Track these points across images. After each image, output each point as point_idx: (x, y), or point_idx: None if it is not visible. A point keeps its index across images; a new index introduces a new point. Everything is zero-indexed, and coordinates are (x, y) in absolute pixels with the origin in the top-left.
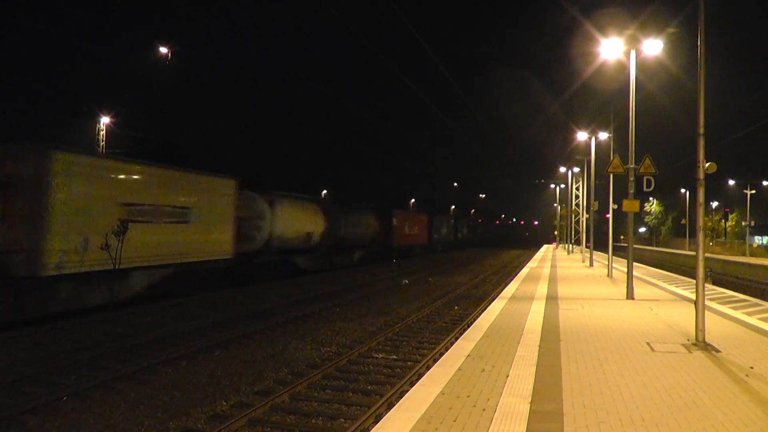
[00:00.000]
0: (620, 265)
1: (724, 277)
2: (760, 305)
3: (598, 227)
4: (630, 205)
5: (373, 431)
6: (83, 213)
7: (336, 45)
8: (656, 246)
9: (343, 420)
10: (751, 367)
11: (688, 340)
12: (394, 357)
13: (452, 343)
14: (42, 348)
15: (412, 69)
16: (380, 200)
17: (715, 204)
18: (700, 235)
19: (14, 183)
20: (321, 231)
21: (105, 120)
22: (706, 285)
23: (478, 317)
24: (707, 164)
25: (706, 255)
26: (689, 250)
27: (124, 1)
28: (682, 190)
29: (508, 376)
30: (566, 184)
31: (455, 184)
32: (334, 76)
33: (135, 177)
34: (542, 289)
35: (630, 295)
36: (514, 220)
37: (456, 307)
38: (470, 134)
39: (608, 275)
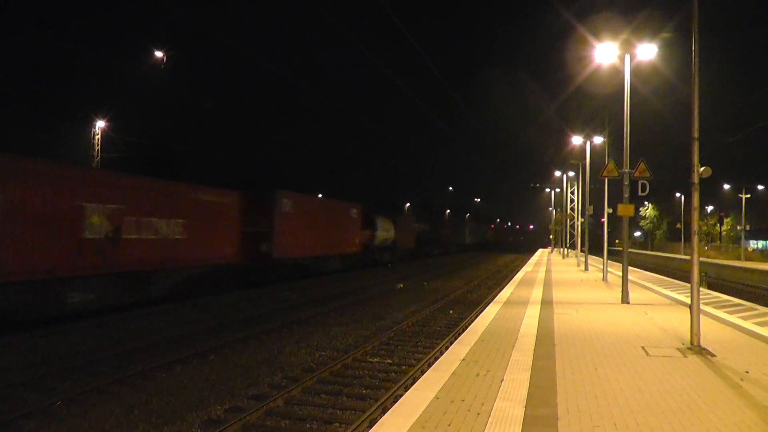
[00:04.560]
0: (615, 269)
1: (719, 281)
2: (755, 309)
3: (594, 231)
4: (625, 210)
5: None
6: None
7: (331, 49)
8: (651, 250)
9: (337, 424)
10: (747, 372)
11: (683, 344)
12: (389, 361)
13: (447, 348)
14: (37, 353)
15: (407, 73)
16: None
17: (710, 208)
18: (695, 239)
19: None
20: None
21: (100, 124)
22: (701, 289)
23: (473, 321)
24: (702, 168)
25: (701, 259)
26: (684, 254)
27: (119, 6)
28: (677, 194)
29: (502, 380)
30: (561, 188)
31: (450, 188)
32: (329, 80)
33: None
34: (537, 293)
35: (625, 300)
36: (510, 224)
37: (451, 312)
38: (465, 138)
39: (603, 279)
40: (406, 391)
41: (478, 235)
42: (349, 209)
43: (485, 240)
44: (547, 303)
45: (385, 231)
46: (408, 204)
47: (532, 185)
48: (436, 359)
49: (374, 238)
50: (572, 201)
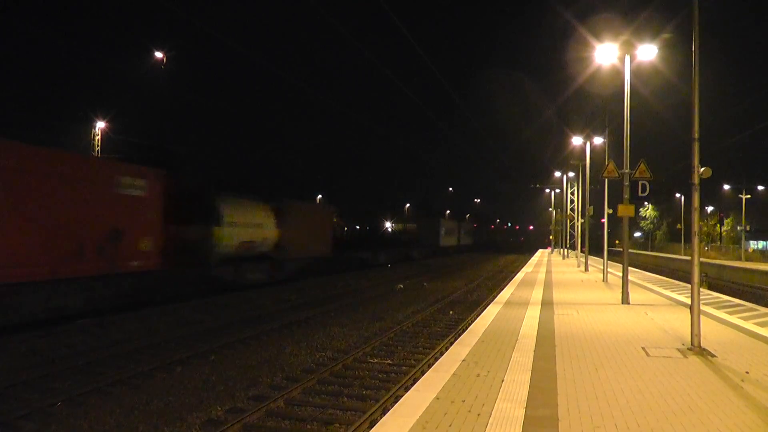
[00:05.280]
0: (615, 270)
1: (719, 281)
2: (756, 310)
3: (594, 232)
4: (625, 210)
5: None
6: None
7: (330, 49)
8: (651, 251)
9: (338, 425)
10: (747, 372)
11: (684, 344)
12: (390, 362)
13: (447, 348)
14: (37, 354)
15: (407, 73)
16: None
17: (710, 209)
18: (695, 240)
19: None
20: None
21: (100, 125)
22: (701, 290)
23: (473, 322)
24: (702, 169)
25: (702, 260)
26: (684, 254)
27: (119, 6)
28: (677, 195)
29: (503, 381)
30: (561, 189)
31: (450, 188)
32: (328, 81)
33: None
34: (537, 294)
35: (625, 300)
36: (510, 224)
37: (451, 312)
38: (465, 138)
39: (603, 280)
40: (407, 391)
41: (457, 236)
42: (113, 175)
43: (474, 242)
44: (547, 304)
45: (248, 227)
46: (408, 204)
47: (532, 186)
48: (436, 360)
49: (214, 239)
50: (572, 202)
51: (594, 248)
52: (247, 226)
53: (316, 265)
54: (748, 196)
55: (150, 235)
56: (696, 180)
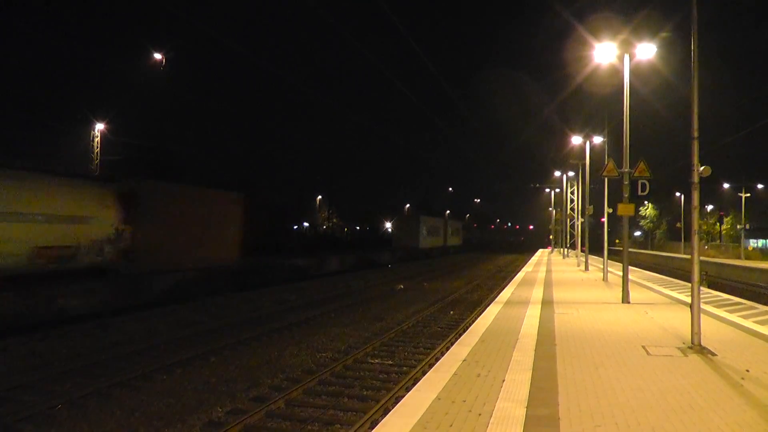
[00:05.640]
0: (615, 269)
1: (719, 280)
2: (756, 308)
3: (594, 231)
4: (625, 209)
5: None
6: None
7: (330, 49)
8: (651, 249)
9: (339, 426)
10: (747, 371)
11: (684, 343)
12: (390, 362)
13: (448, 348)
14: (37, 356)
15: (406, 73)
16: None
17: (710, 207)
18: (695, 239)
19: None
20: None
21: (99, 127)
22: (701, 288)
23: (473, 322)
24: (701, 168)
25: (701, 258)
26: (684, 253)
27: (118, 7)
28: (677, 194)
29: (503, 380)
30: (561, 188)
31: (450, 189)
32: (328, 81)
33: None
34: (537, 293)
35: (625, 299)
36: (510, 224)
37: (451, 312)
38: (465, 138)
39: (603, 279)
40: (408, 392)
41: (443, 236)
42: None
43: (465, 243)
44: (547, 303)
45: (52, 223)
46: (408, 205)
47: (532, 185)
48: (437, 360)
49: None
50: (572, 201)
51: (594, 247)
52: (50, 220)
53: (212, 279)
54: (748, 194)
55: None
56: (696, 178)
